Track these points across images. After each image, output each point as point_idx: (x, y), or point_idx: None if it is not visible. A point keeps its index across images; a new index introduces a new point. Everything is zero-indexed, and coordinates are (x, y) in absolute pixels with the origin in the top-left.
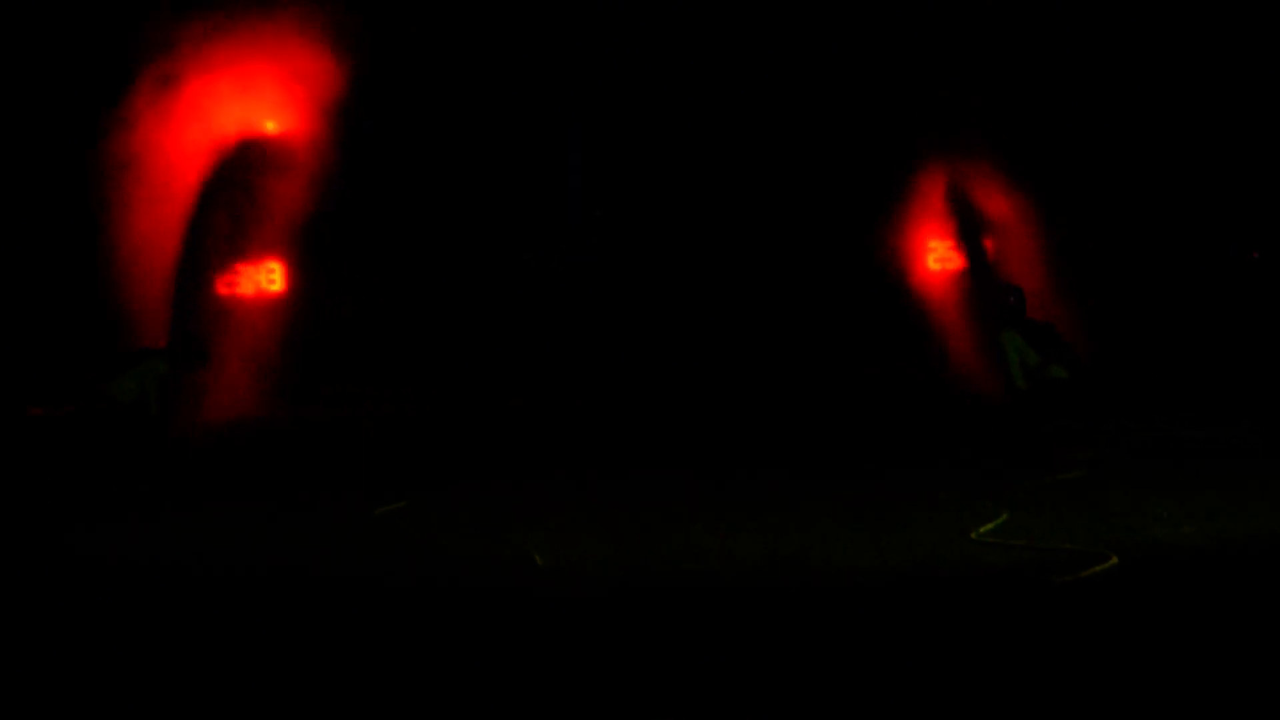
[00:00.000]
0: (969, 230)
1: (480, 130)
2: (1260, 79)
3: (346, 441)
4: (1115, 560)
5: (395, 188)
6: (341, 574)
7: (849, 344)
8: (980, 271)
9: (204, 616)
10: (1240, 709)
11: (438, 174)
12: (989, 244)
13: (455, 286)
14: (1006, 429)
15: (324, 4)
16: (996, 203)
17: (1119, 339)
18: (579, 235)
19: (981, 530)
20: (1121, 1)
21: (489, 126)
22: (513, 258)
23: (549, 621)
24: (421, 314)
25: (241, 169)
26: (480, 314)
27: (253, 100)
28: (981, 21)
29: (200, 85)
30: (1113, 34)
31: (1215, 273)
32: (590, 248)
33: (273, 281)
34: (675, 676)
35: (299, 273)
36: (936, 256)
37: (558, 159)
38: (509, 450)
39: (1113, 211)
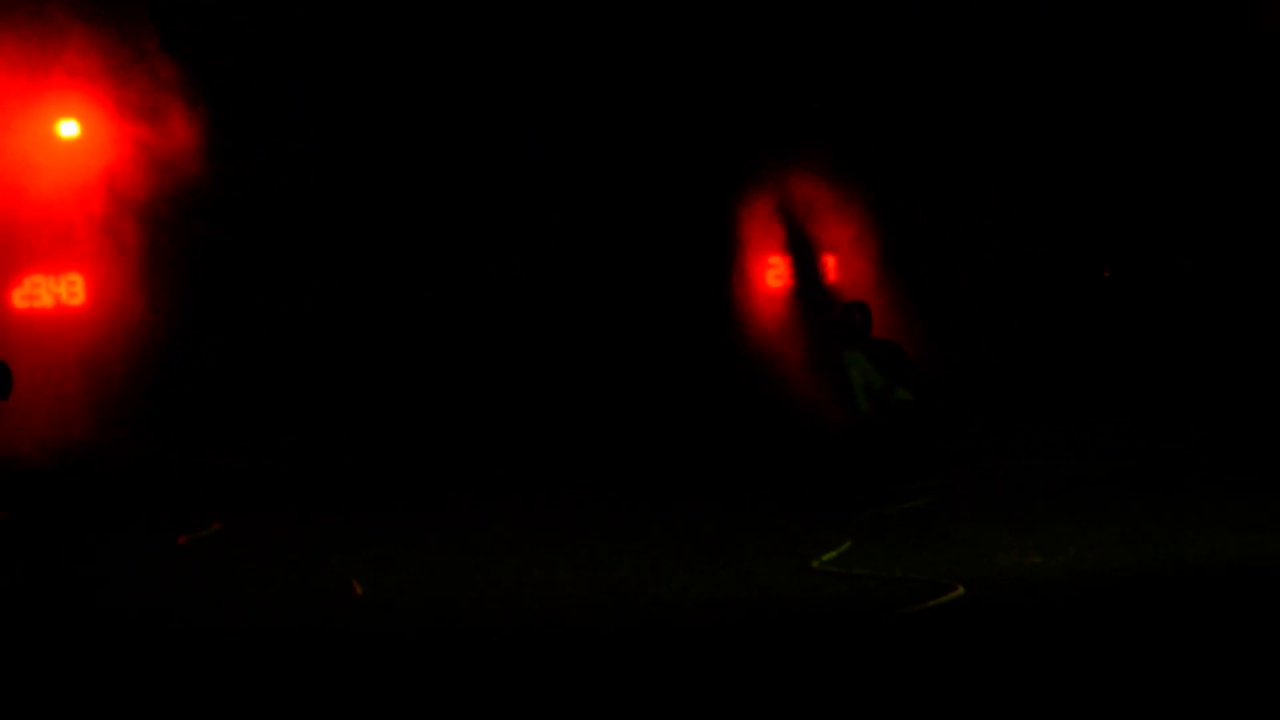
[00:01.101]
0: (801, 246)
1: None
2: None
3: (167, 466)
4: (962, 591)
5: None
6: (133, 609)
7: (675, 366)
8: (815, 288)
9: None
10: None
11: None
12: (828, 259)
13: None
14: (848, 454)
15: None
16: (838, 217)
17: (971, 361)
18: (537, 241)
19: (824, 559)
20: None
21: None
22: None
23: (353, 663)
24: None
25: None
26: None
27: (55, 102)
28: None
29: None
30: (975, 35)
31: (1078, 289)
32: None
33: (74, 295)
34: None
35: (108, 285)
36: (776, 274)
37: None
38: (343, 473)
39: (980, 223)
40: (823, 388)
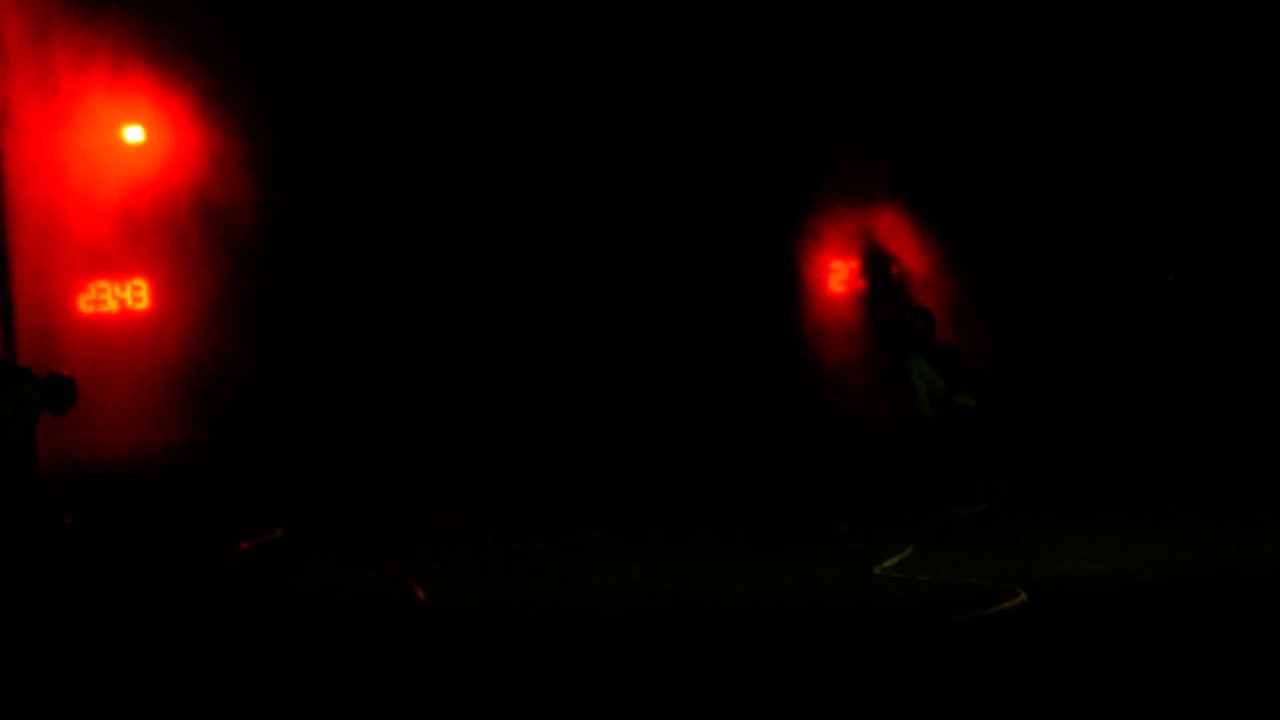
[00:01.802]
0: (872, 252)
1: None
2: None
3: (225, 470)
4: (1024, 597)
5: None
6: (202, 611)
7: (743, 365)
8: (884, 294)
9: (49, 663)
10: None
11: (373, 181)
12: (894, 266)
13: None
14: (912, 459)
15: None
16: (901, 225)
17: (1031, 365)
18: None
19: (886, 565)
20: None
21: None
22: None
23: (423, 667)
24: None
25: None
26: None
27: (120, 108)
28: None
29: (66, 93)
30: (1030, 37)
31: (1129, 295)
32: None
33: (139, 300)
34: None
35: (173, 289)
36: (840, 279)
37: (513, 162)
38: (401, 477)
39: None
40: (886, 391)
